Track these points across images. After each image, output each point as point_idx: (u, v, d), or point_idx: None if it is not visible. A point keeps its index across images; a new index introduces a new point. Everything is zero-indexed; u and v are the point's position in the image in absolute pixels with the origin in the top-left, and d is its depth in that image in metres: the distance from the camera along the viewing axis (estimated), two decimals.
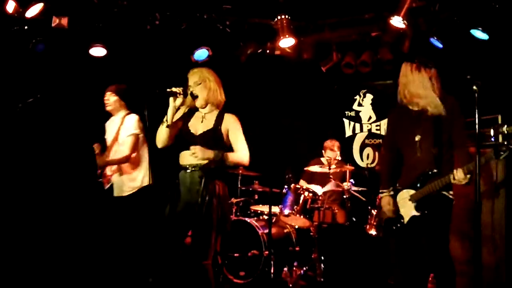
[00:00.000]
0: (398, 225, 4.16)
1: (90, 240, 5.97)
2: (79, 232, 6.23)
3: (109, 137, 5.54)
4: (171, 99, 4.13)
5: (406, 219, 4.11)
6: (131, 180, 5.32)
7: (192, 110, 4.32)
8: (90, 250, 5.86)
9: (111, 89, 5.51)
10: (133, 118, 5.38)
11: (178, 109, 4.20)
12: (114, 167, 5.36)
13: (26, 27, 5.88)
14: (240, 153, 4.18)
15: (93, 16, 6.22)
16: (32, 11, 5.77)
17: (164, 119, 4.16)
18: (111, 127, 5.56)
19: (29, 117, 5.84)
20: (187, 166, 4.13)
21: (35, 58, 6.21)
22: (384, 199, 4.24)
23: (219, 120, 4.21)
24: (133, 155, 5.29)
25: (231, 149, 4.20)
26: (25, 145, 6.27)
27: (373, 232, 5.89)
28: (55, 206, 6.40)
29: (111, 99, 5.48)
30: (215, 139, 4.15)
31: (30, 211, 6.16)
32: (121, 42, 6.60)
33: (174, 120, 4.18)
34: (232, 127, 4.22)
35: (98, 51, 6.49)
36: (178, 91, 4.12)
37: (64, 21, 6.02)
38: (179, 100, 4.14)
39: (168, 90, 4.11)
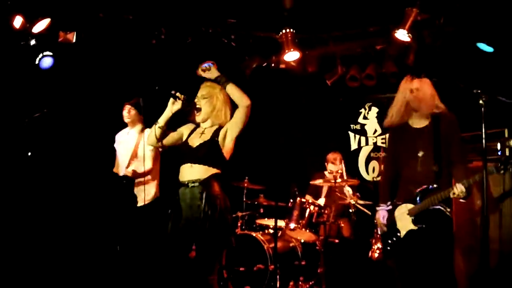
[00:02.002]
0: (394, 239, 4.18)
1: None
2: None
3: (123, 148, 5.65)
4: (170, 102, 4.13)
5: (403, 233, 4.14)
6: (145, 192, 5.40)
7: (195, 127, 4.31)
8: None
9: (131, 102, 5.62)
10: None
11: (174, 114, 4.16)
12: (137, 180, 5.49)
13: (33, 42, 5.89)
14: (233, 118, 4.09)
15: (99, 31, 6.25)
16: (39, 26, 5.80)
17: (158, 120, 4.16)
18: (126, 139, 5.69)
19: (36, 132, 5.87)
20: (187, 182, 4.06)
21: (42, 72, 6.24)
22: (379, 212, 4.29)
23: (217, 132, 4.14)
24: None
25: (224, 162, 4.14)
26: (31, 159, 6.29)
27: (378, 245, 5.86)
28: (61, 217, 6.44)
29: (131, 112, 5.61)
30: (211, 150, 4.08)
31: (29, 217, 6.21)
32: (127, 57, 6.63)
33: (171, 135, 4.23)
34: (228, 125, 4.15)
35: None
36: (179, 96, 4.10)
37: (71, 35, 6.06)
38: (177, 105, 4.12)
39: (172, 92, 4.10)
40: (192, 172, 4.05)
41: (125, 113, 5.65)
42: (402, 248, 4.15)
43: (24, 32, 5.78)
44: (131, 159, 5.54)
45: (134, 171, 5.43)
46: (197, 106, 4.18)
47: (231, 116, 4.19)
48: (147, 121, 5.60)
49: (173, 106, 4.13)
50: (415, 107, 4.13)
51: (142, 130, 5.62)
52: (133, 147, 5.55)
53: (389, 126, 4.36)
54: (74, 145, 6.73)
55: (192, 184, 4.02)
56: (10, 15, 5.69)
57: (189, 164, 4.08)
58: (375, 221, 5.78)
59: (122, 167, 5.68)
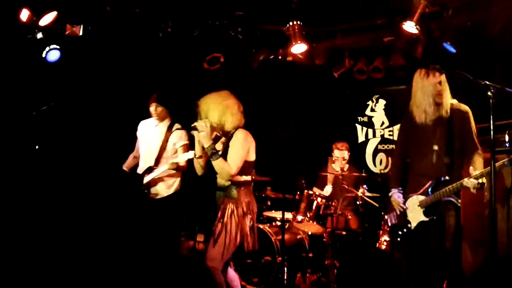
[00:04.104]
0: (405, 230, 4.18)
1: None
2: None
3: (147, 140, 5.81)
4: (195, 133, 4.31)
5: (413, 224, 4.15)
6: (168, 186, 5.67)
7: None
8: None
9: (156, 99, 5.74)
10: (182, 130, 5.65)
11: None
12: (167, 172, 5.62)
13: (39, 35, 5.89)
14: (228, 165, 4.25)
15: (106, 24, 6.26)
16: (46, 20, 5.81)
17: (195, 152, 4.44)
18: (152, 133, 5.81)
19: (42, 125, 5.89)
20: (218, 185, 4.43)
21: (49, 66, 6.26)
22: (394, 195, 4.29)
23: (228, 142, 4.37)
24: None
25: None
26: (38, 152, 6.32)
27: (385, 238, 5.85)
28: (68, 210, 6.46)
29: (158, 109, 5.73)
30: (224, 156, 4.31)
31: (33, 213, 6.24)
32: (134, 50, 6.63)
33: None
34: (234, 139, 4.34)
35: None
36: (197, 126, 4.29)
37: (77, 29, 6.07)
38: (201, 134, 4.31)
39: (192, 126, 4.29)
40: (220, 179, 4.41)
41: (152, 110, 5.76)
42: (412, 239, 4.16)
43: (31, 25, 5.78)
44: (161, 153, 5.66)
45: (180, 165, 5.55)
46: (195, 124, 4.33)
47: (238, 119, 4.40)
48: (174, 116, 5.81)
49: (198, 137, 4.32)
50: (439, 101, 4.11)
51: (171, 126, 5.75)
52: (161, 141, 5.68)
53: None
54: (81, 139, 6.75)
55: (219, 188, 4.42)
56: (17, 8, 5.69)
57: None
58: (383, 214, 5.84)
59: (145, 157, 5.79)
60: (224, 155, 4.30)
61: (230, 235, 4.25)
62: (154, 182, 5.66)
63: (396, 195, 4.29)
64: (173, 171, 5.61)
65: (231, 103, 4.37)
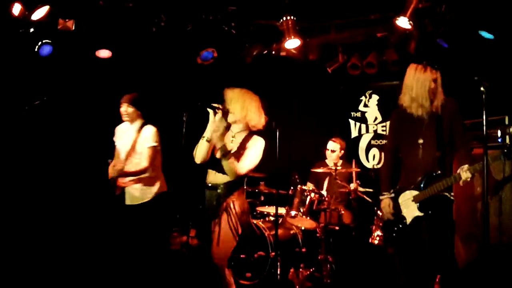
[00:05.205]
0: (400, 225, 4.18)
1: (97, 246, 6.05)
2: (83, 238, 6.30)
3: (122, 143, 5.56)
4: (211, 114, 4.31)
5: (408, 220, 4.15)
6: (146, 191, 5.41)
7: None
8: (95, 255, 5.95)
9: (127, 100, 5.48)
10: (152, 130, 5.42)
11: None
12: (130, 177, 5.38)
13: (32, 30, 5.87)
14: (237, 165, 4.26)
15: (99, 18, 6.23)
16: (38, 14, 5.78)
17: (204, 134, 4.33)
18: (125, 134, 5.56)
19: (35, 120, 5.87)
20: (209, 184, 4.38)
21: (41, 60, 6.24)
22: (384, 201, 4.29)
23: (244, 142, 4.36)
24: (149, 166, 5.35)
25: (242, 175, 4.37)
26: (30, 147, 6.31)
27: (378, 232, 5.87)
28: (60, 208, 6.44)
29: (128, 110, 5.47)
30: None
31: (31, 212, 6.22)
32: (127, 44, 6.61)
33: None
34: (255, 145, 4.36)
35: (103, 53, 6.53)
36: (218, 107, 4.29)
37: (70, 23, 6.04)
38: (218, 116, 4.29)
39: (212, 104, 4.27)
40: (215, 177, 4.36)
41: (122, 111, 5.51)
42: (408, 234, 4.17)
43: (23, 19, 5.75)
44: (129, 155, 5.40)
45: (120, 171, 5.30)
46: (225, 109, 4.33)
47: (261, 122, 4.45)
48: (146, 117, 5.58)
49: (215, 118, 4.30)
50: (432, 97, 4.11)
51: (142, 127, 5.48)
52: (131, 143, 5.42)
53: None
54: (73, 133, 6.73)
55: (212, 187, 4.37)
56: (9, 2, 5.67)
57: (213, 171, 4.37)
58: (376, 210, 5.85)
59: (121, 161, 5.58)
60: (236, 154, 4.29)
61: (233, 230, 4.28)
62: (127, 188, 5.44)
63: (386, 201, 4.29)
64: (139, 176, 5.38)
65: (253, 100, 4.42)
